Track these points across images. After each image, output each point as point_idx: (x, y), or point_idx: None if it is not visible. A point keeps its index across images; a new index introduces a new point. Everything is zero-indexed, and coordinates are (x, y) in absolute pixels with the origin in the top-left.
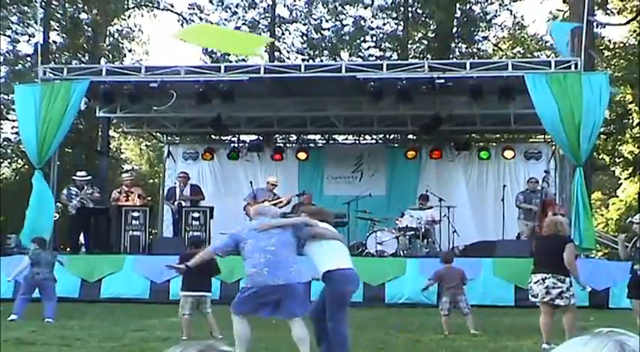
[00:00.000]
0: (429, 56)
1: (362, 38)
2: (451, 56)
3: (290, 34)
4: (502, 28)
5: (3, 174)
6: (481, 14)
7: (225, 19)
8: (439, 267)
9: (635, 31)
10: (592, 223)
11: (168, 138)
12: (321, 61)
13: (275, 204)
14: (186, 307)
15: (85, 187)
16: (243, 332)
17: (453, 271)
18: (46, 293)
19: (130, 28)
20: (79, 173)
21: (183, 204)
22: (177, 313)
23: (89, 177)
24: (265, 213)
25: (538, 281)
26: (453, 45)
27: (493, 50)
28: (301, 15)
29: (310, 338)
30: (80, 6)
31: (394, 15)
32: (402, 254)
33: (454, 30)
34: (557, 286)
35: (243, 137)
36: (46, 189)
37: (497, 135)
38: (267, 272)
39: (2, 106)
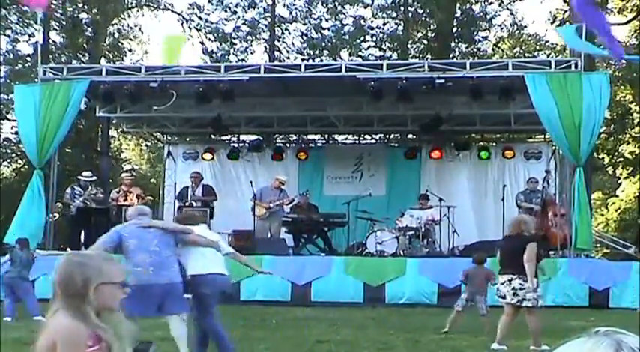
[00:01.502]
0: (429, 56)
1: (362, 38)
2: (451, 56)
3: (290, 33)
4: (502, 28)
5: (3, 174)
6: (481, 14)
7: (225, 19)
8: (470, 266)
9: (635, 31)
10: (590, 224)
11: (168, 138)
12: (321, 60)
13: (281, 204)
14: None
15: (90, 188)
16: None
17: (480, 271)
18: (19, 292)
19: (130, 28)
20: (84, 173)
21: (194, 204)
22: None
23: (94, 178)
24: (146, 213)
25: (504, 282)
26: (453, 45)
27: (493, 50)
28: (301, 15)
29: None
30: (80, 6)
31: (394, 15)
32: (402, 254)
33: (454, 30)
34: (523, 287)
35: (243, 137)
36: (40, 190)
37: (498, 135)
38: (152, 271)
39: (2, 106)
